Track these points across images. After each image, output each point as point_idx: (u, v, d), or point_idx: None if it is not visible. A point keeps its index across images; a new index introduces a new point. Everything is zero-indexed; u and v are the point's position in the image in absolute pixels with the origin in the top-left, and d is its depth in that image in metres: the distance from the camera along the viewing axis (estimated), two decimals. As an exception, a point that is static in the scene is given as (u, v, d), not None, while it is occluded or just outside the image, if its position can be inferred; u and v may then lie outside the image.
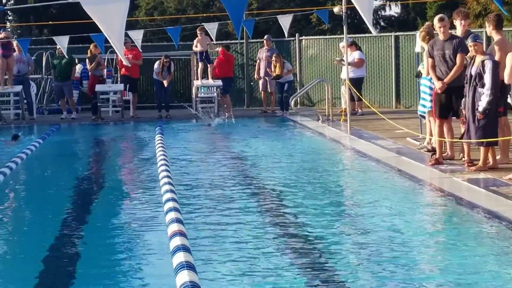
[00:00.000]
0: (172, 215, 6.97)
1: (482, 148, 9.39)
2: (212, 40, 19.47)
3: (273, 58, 19.00)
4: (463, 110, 9.66)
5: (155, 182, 9.54)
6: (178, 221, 6.69)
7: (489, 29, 9.83)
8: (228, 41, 23.30)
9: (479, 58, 9.27)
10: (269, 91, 19.80)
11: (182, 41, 21.49)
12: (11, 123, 18.15)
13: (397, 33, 20.76)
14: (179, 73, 22.55)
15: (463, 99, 9.60)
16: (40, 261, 6.22)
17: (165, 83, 19.08)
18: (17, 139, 14.89)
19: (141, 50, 19.42)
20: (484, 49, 9.62)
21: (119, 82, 20.08)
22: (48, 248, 6.69)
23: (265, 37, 20.18)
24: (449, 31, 10.19)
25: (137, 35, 19.46)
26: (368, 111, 17.34)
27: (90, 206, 8.81)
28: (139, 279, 5.74)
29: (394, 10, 33.23)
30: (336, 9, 18.04)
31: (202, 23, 20.24)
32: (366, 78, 19.16)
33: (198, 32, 18.65)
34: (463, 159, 9.89)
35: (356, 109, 18.10)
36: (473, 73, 9.29)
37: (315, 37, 23.11)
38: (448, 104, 10.04)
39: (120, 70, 19.86)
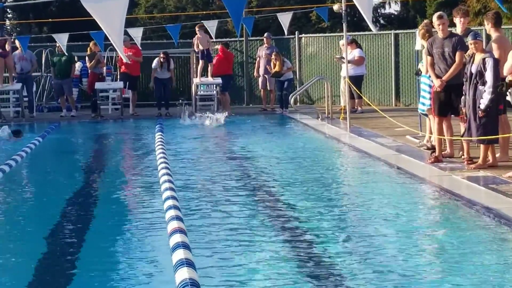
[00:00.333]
0: (172, 212, 6.98)
1: (482, 146, 9.39)
2: (211, 38, 19.48)
3: (273, 56, 19.00)
4: (462, 108, 9.66)
5: (155, 179, 9.54)
6: (178, 218, 6.69)
7: (487, 27, 9.84)
8: (227, 39, 23.29)
9: (479, 56, 9.27)
10: (268, 89, 19.80)
11: (181, 38, 21.50)
12: (11, 121, 18.13)
13: (397, 31, 20.76)
14: (178, 71, 22.55)
15: (463, 97, 9.61)
16: (40, 259, 6.22)
17: (173, 82, 19.27)
18: (20, 134, 14.89)
19: (140, 48, 19.43)
20: (484, 47, 9.62)
21: (118, 80, 20.10)
22: (48, 245, 6.70)
23: (265, 35, 20.19)
24: (449, 29, 10.19)
25: (137, 33, 19.51)
26: (368, 109, 17.35)
27: (89, 204, 8.80)
28: (138, 275, 5.74)
29: (393, 8, 33.29)
30: (335, 7, 18.03)
31: (202, 21, 20.27)
32: (365, 76, 19.17)
33: (196, 29, 18.64)
34: (462, 157, 9.89)
35: (355, 107, 18.11)
36: (473, 71, 9.29)
37: (315, 35, 23.11)
38: (447, 102, 10.04)
39: (120, 68, 19.87)
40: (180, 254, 5.45)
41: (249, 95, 22.23)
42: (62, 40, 18.41)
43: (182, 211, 7.29)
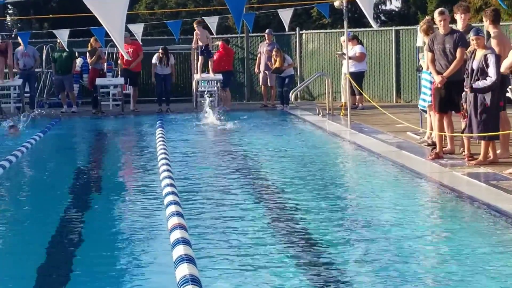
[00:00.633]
0: (172, 208, 6.98)
1: (483, 142, 9.39)
2: (211, 33, 19.46)
3: (274, 52, 18.98)
4: (463, 104, 9.65)
5: (156, 176, 9.55)
6: (178, 214, 6.70)
7: (486, 24, 9.84)
8: (228, 35, 23.28)
9: (480, 52, 9.26)
10: (269, 85, 19.79)
11: (182, 35, 21.47)
12: (11, 116, 18.11)
13: (398, 27, 20.76)
14: (179, 67, 22.54)
15: (463, 93, 9.60)
16: (40, 254, 6.22)
17: (173, 78, 19.25)
18: (14, 128, 14.93)
19: (141, 44, 19.42)
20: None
21: (119, 75, 20.09)
22: (48, 240, 6.70)
23: (266, 31, 20.17)
24: (450, 25, 10.18)
25: (138, 29, 19.49)
26: (369, 105, 17.34)
27: (89, 200, 8.80)
28: (138, 271, 5.75)
29: (394, 4, 33.23)
30: (336, 3, 17.98)
31: (203, 17, 20.24)
32: (366, 72, 19.16)
33: (195, 25, 18.61)
34: (463, 153, 9.90)
35: (356, 103, 18.10)
36: (474, 67, 9.29)
37: (316, 31, 23.09)
38: (447, 98, 10.03)
39: (121, 63, 19.80)
40: (180, 250, 5.45)
41: (249, 91, 22.22)
42: (63, 36, 18.39)
43: (182, 207, 7.30)
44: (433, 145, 10.64)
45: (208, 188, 8.98)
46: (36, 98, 19.81)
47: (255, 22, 20.35)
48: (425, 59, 10.74)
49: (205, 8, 28.70)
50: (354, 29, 20.81)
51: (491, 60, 9.11)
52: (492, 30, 9.73)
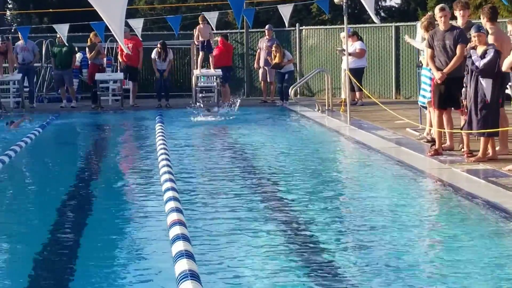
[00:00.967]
0: (171, 204, 6.98)
1: (482, 139, 9.39)
2: (212, 29, 19.44)
3: (273, 48, 18.97)
4: (463, 100, 9.65)
5: (155, 171, 9.54)
6: (178, 210, 6.70)
7: (483, 21, 9.83)
8: (228, 31, 23.26)
9: (481, 49, 9.26)
10: (269, 81, 19.78)
11: (182, 30, 21.45)
12: (11, 111, 18.12)
13: (398, 24, 20.74)
14: (178, 63, 22.53)
15: (463, 90, 9.60)
16: (39, 252, 6.22)
17: (166, 73, 19.15)
18: (14, 124, 14.99)
19: (141, 39, 19.40)
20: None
21: (119, 71, 20.08)
22: (48, 235, 6.70)
23: (266, 27, 20.14)
24: (450, 22, 10.18)
25: (137, 24, 19.47)
26: (368, 102, 17.33)
27: (88, 195, 8.80)
28: (138, 267, 5.75)
29: (394, 0, 33.23)
30: (336, -1, 17.99)
31: (203, 12, 20.22)
32: (366, 69, 19.14)
33: (200, 21, 18.60)
34: (462, 150, 9.90)
35: (356, 100, 18.09)
36: (475, 62, 9.27)
37: (316, 27, 23.08)
38: (447, 95, 10.03)
39: (122, 59, 19.75)
40: (179, 245, 5.45)
41: (249, 87, 22.20)
42: (62, 30, 18.38)
43: (182, 202, 7.30)
44: (433, 141, 10.64)
45: (207, 183, 8.98)
46: (35, 93, 19.80)
47: (255, 18, 20.33)
48: (424, 55, 10.74)
49: (205, 3, 28.67)
50: (354, 25, 20.79)
51: (490, 54, 9.11)
52: (489, 28, 9.73)
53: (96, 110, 18.77)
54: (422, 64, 11.44)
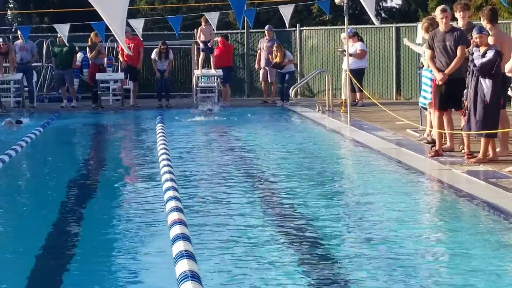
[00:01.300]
0: (172, 204, 6.98)
1: (482, 140, 9.39)
2: (213, 30, 19.45)
3: (274, 48, 18.97)
4: (464, 101, 9.65)
5: (156, 171, 9.55)
6: (178, 209, 6.70)
7: (483, 23, 9.83)
8: (228, 31, 23.27)
9: (482, 50, 9.26)
10: (269, 81, 19.78)
11: (182, 30, 21.46)
12: (11, 111, 18.13)
13: (398, 25, 20.74)
14: (179, 63, 22.54)
15: (465, 91, 9.60)
16: (39, 250, 6.23)
17: (166, 73, 19.15)
18: (12, 123, 15.03)
19: (142, 39, 19.41)
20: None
21: (119, 70, 20.08)
22: (47, 234, 6.71)
23: (267, 27, 20.14)
24: (450, 23, 10.18)
25: (138, 24, 19.46)
26: (369, 102, 17.34)
27: (88, 194, 8.81)
28: (138, 267, 5.75)
29: (395, 1, 33.22)
30: (337, 0, 17.99)
31: (203, 13, 20.23)
32: (366, 69, 19.15)
33: (203, 22, 18.61)
34: (462, 151, 9.90)
35: (356, 100, 18.10)
36: (477, 63, 9.28)
37: (316, 27, 23.08)
38: (448, 96, 10.03)
39: (123, 58, 19.74)
40: (180, 246, 5.45)
41: (249, 87, 22.20)
42: (63, 30, 18.40)
43: (182, 202, 7.30)
44: (433, 142, 10.64)
45: (207, 183, 8.98)
46: (35, 93, 19.81)
47: (256, 18, 20.34)
48: (425, 57, 10.74)
49: (205, 4, 28.66)
50: (355, 26, 20.79)
51: (490, 54, 9.13)
52: (490, 30, 9.73)
53: (97, 110, 18.78)
54: (423, 66, 11.45)
